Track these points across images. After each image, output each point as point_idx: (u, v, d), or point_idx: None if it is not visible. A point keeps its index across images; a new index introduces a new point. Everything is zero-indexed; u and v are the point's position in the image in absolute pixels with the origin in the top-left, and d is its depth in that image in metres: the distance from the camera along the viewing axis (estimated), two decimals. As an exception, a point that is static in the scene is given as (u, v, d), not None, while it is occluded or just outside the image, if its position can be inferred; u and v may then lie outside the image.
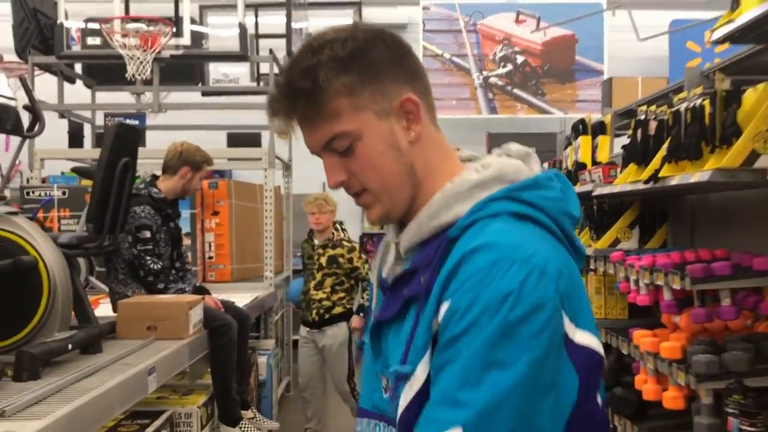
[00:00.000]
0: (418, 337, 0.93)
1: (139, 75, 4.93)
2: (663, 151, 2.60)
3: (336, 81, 0.96)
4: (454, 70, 9.55)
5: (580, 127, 3.90)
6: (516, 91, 9.47)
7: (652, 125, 2.77)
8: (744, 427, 2.05)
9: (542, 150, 7.69)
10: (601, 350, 0.94)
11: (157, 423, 2.93)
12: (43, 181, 5.76)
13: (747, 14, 2.02)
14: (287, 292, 6.50)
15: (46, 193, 4.95)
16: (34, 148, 5.30)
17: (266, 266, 5.34)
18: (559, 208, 0.99)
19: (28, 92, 3.25)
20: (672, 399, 2.53)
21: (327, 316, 4.80)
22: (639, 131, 2.86)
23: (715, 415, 2.25)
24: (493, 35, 9.48)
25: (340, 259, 4.81)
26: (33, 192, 5.00)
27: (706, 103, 2.36)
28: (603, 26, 9.40)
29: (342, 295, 4.86)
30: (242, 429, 3.48)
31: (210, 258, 5.47)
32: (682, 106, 2.49)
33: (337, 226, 5.07)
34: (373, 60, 0.99)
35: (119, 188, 3.08)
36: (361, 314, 4.85)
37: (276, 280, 5.60)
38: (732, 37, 2.19)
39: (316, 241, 4.93)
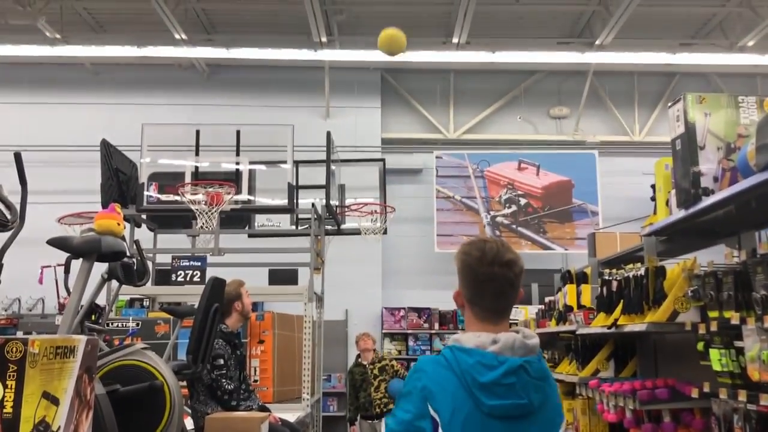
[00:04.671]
0: None
1: (206, 226, 6.00)
2: (621, 305, 3.55)
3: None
4: (465, 210, 10.73)
5: (567, 276, 4.87)
6: (520, 229, 10.60)
7: (614, 284, 3.73)
8: None
9: (543, 285, 8.58)
10: None
11: None
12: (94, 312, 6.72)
13: (661, 221, 3.04)
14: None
15: (122, 324, 5.91)
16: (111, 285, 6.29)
17: (305, 389, 6.14)
18: (466, 369, 1.75)
19: (140, 252, 4.26)
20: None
21: (385, 409, 7.29)
22: (605, 288, 3.82)
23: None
24: (498, 180, 10.74)
25: (387, 367, 7.50)
26: (111, 323, 5.96)
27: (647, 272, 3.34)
28: (596, 173, 10.64)
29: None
30: None
31: (255, 381, 6.31)
32: (631, 274, 3.47)
33: (376, 348, 7.93)
34: (460, 268, 1.90)
35: (211, 327, 4.04)
36: None
37: (311, 401, 6.38)
38: (654, 233, 3.21)
39: (365, 362, 7.54)
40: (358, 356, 7.72)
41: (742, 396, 2.58)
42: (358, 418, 7.62)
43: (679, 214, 2.95)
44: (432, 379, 1.79)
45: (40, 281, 8.36)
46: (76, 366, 2.24)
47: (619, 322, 3.47)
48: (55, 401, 2.11)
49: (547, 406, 1.82)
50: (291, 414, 5.63)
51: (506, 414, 1.74)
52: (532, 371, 1.78)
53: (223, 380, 4.39)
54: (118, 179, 6.91)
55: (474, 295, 1.87)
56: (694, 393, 3.13)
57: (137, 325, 5.91)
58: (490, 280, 1.84)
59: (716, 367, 2.80)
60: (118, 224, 3.11)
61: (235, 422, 3.97)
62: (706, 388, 2.93)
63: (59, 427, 2.12)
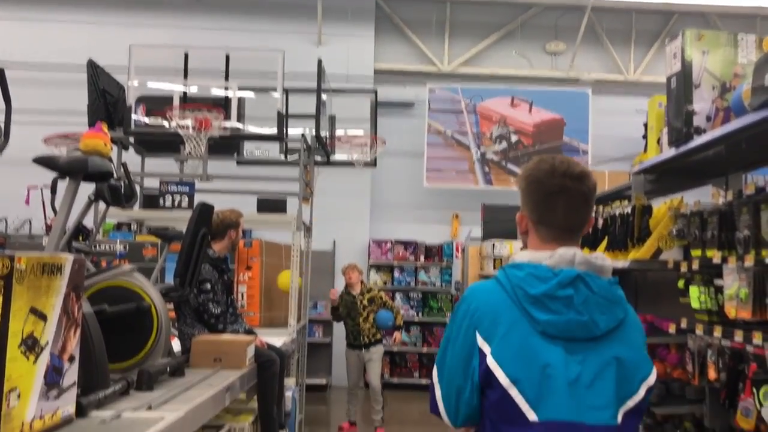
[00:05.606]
0: None
1: (194, 152, 5.94)
2: (605, 242, 3.59)
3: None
4: (455, 146, 10.68)
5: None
6: (510, 165, 10.59)
7: (600, 221, 3.77)
8: (647, 438, 2.98)
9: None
10: (504, 380, 1.53)
11: (220, 433, 3.82)
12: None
13: (651, 159, 3.04)
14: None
15: (110, 246, 5.92)
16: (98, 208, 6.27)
17: (291, 315, 6.24)
18: (516, 284, 1.60)
19: (127, 174, 4.22)
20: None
21: (372, 339, 7.52)
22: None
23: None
24: (490, 116, 10.66)
25: (375, 298, 7.59)
26: (99, 245, 5.96)
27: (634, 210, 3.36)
28: (588, 111, 10.57)
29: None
30: (279, 445, 4.35)
31: (242, 306, 6.40)
32: (617, 211, 3.49)
33: (363, 279, 7.86)
34: (525, 186, 1.73)
35: (198, 252, 4.05)
36: (401, 330, 7.81)
37: (297, 327, 6.49)
38: (644, 171, 3.21)
39: (355, 292, 7.58)
40: (347, 285, 7.73)
41: (718, 332, 2.64)
42: (345, 347, 7.76)
43: (669, 152, 2.96)
44: (480, 300, 1.64)
45: (27, 202, 8.31)
46: (63, 284, 2.25)
47: (602, 259, 3.51)
48: (42, 317, 2.13)
49: (620, 338, 1.60)
50: (277, 339, 5.72)
51: (564, 333, 1.53)
52: (596, 287, 1.56)
53: (210, 304, 4.44)
54: (105, 101, 6.78)
55: (543, 212, 1.67)
56: (671, 329, 3.21)
57: (125, 248, 5.92)
58: (562, 192, 1.64)
59: (695, 304, 2.86)
60: (105, 144, 3.07)
61: (221, 345, 4.03)
62: (684, 324, 3.00)
63: (47, 342, 2.15)
